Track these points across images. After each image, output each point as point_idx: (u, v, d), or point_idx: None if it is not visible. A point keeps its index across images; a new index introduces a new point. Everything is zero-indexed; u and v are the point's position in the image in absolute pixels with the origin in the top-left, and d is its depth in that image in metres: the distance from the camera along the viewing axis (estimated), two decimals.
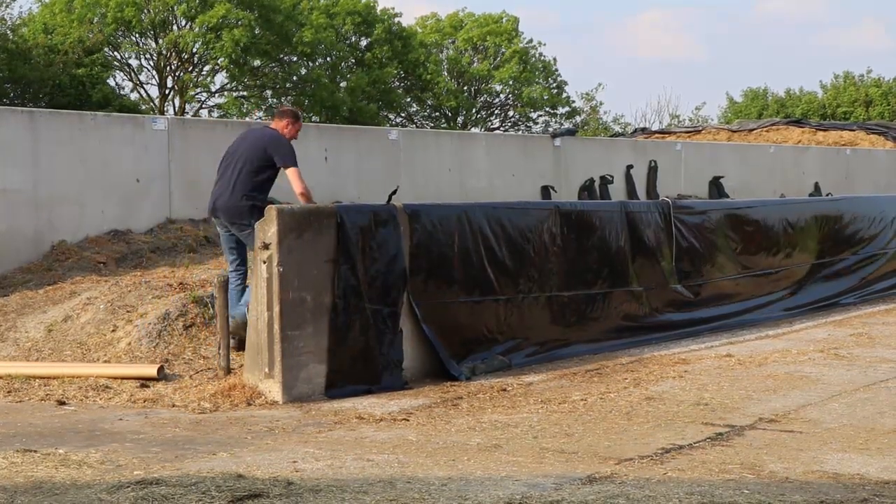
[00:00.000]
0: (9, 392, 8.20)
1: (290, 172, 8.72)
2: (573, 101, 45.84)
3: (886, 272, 14.58)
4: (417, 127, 41.63)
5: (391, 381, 8.45)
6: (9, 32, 29.42)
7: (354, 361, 8.34)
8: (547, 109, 45.04)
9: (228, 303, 8.78)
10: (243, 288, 8.96)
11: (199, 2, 32.48)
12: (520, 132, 42.87)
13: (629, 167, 20.37)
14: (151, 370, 8.40)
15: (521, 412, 7.62)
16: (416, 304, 8.87)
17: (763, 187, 22.18)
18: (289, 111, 9.20)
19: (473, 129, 41.97)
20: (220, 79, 36.42)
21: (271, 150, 8.79)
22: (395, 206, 8.85)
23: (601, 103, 59.13)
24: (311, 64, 37.31)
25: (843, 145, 28.46)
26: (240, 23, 32.76)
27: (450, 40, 43.43)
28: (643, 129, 36.31)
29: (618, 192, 19.74)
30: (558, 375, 9.10)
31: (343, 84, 37.68)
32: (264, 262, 8.02)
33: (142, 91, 35.62)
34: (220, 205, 8.92)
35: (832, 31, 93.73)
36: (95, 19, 32.05)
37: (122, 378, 8.37)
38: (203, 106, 36.95)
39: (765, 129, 30.81)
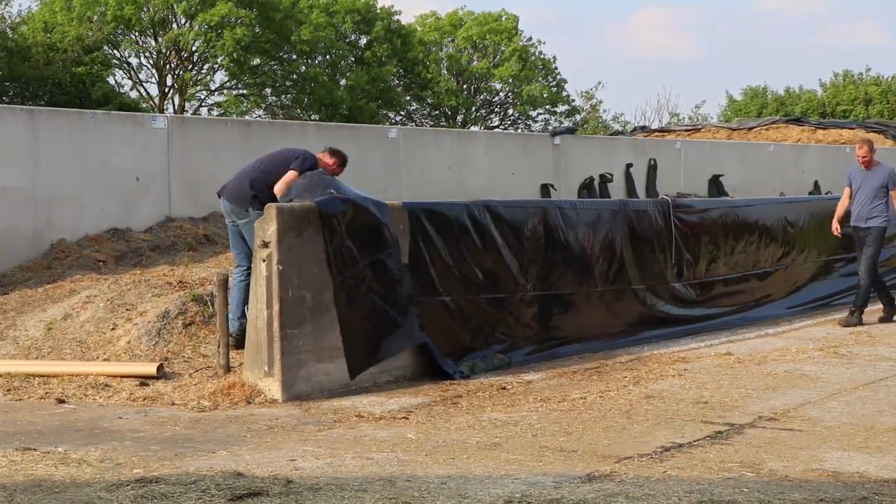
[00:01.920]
0: (8, 390, 8.20)
1: (290, 174, 8.91)
2: (573, 100, 45.87)
3: (885, 270, 14.56)
4: (417, 125, 41.62)
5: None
6: (8, 31, 29.43)
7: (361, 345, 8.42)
8: (547, 108, 45.05)
9: (234, 302, 8.79)
10: (247, 286, 8.98)
11: (200, 0, 32.45)
12: (519, 131, 42.87)
13: (629, 166, 20.37)
14: (151, 368, 8.39)
15: (521, 410, 7.63)
16: (415, 302, 8.87)
17: (763, 186, 22.18)
18: (341, 153, 9.46)
19: (473, 128, 41.95)
20: (220, 77, 36.44)
21: (294, 157, 9.08)
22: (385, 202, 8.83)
23: (601, 102, 59.13)
24: (310, 62, 37.31)
25: (843, 143, 28.47)
26: (240, 21, 32.74)
27: (449, 38, 43.42)
28: (643, 128, 36.25)
29: (617, 190, 19.73)
30: (558, 374, 9.11)
31: (342, 82, 37.67)
32: (264, 261, 8.02)
33: (141, 89, 35.62)
34: (228, 186, 9.21)
35: (831, 30, 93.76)
36: (95, 17, 32.02)
37: (122, 376, 8.37)
38: (203, 104, 36.97)
39: (764, 127, 30.81)
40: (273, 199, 8.71)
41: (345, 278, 8.30)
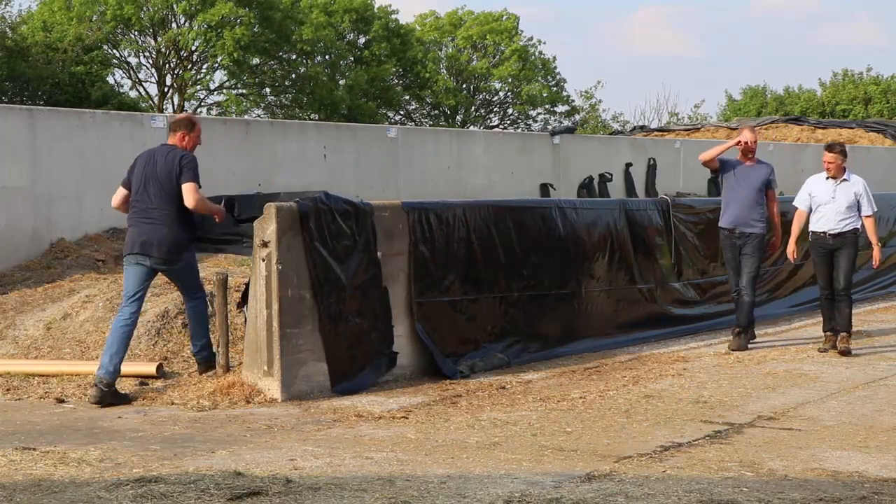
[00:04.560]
0: (8, 390, 8.20)
1: (186, 187, 7.95)
2: (572, 100, 45.87)
3: (884, 269, 14.57)
4: (416, 125, 41.63)
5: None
6: (8, 30, 29.39)
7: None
8: (546, 107, 45.05)
9: (111, 346, 7.85)
10: (131, 332, 7.99)
11: (199, 0, 32.43)
12: (519, 130, 42.87)
13: (628, 165, 20.39)
14: (150, 368, 8.39)
15: (520, 410, 7.62)
16: (416, 302, 8.87)
17: None
18: (182, 121, 8.35)
19: (472, 127, 41.94)
20: (219, 76, 36.43)
21: (178, 166, 8.05)
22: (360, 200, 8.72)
23: (600, 101, 59.06)
24: (309, 62, 37.30)
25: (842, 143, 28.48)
26: (240, 21, 32.73)
27: (449, 38, 43.42)
28: (642, 127, 36.27)
29: (617, 189, 19.76)
30: (557, 373, 9.11)
31: (342, 82, 37.65)
32: (263, 260, 8.01)
33: (141, 89, 35.60)
34: (151, 241, 7.95)
35: (831, 29, 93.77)
36: (94, 17, 32.00)
37: (121, 376, 8.34)
38: (202, 104, 36.95)
39: (764, 126, 30.84)
40: (189, 218, 8.02)
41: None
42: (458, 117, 43.16)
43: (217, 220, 8.33)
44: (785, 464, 6.09)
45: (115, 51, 34.34)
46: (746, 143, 10.20)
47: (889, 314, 12.88)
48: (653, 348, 10.36)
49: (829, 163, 10.03)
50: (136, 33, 34.13)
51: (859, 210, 10.02)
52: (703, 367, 9.31)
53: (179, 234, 8.03)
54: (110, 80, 33.51)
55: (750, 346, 10.25)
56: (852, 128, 31.03)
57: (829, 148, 10.15)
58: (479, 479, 5.71)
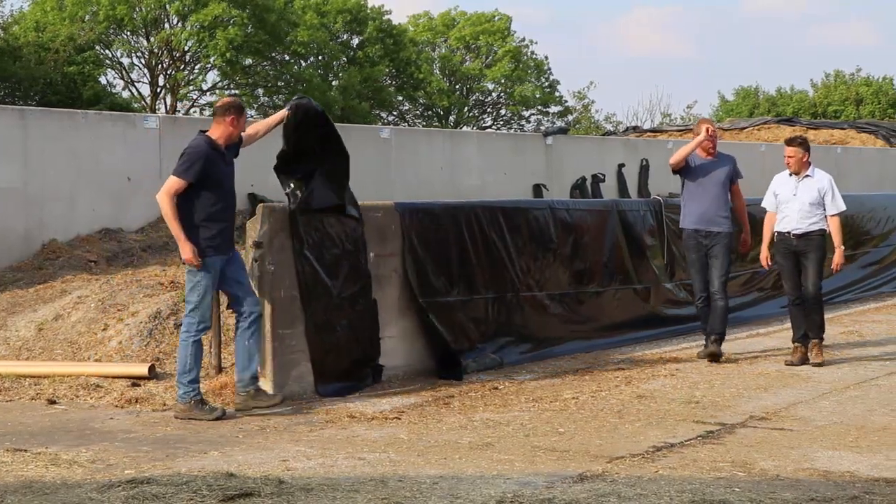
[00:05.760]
0: None
1: (168, 179, 7.38)
2: (565, 100, 45.95)
3: (881, 269, 14.63)
4: (409, 125, 41.63)
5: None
6: (0, 31, 29.35)
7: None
8: (539, 108, 45.11)
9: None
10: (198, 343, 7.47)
11: (193, 0, 32.40)
12: (512, 131, 42.89)
13: (621, 166, 20.39)
14: (142, 369, 8.37)
15: (513, 411, 7.63)
16: (422, 302, 8.88)
17: (754, 186, 22.15)
18: (229, 106, 7.52)
19: (465, 128, 41.96)
20: (212, 77, 36.40)
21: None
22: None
23: (593, 102, 59.16)
24: (303, 63, 37.30)
25: (834, 144, 28.54)
26: (233, 21, 32.71)
27: (442, 39, 43.48)
28: (635, 128, 36.29)
29: (609, 190, 19.76)
30: (550, 374, 9.11)
31: (335, 83, 37.65)
32: (256, 261, 8.00)
33: (133, 89, 35.56)
34: None
35: (823, 30, 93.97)
36: (87, 17, 31.95)
37: (113, 377, 8.34)
38: (195, 104, 36.91)
39: (756, 127, 30.88)
40: (190, 217, 7.32)
41: None
42: (451, 118, 43.19)
43: (183, 256, 7.33)
44: (776, 464, 6.10)
45: (107, 51, 34.30)
46: (713, 131, 9.65)
47: (880, 314, 12.91)
48: (645, 349, 10.37)
49: (789, 157, 9.50)
50: (129, 33, 34.09)
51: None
52: (695, 368, 9.32)
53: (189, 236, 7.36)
54: (102, 80, 33.48)
55: (741, 347, 10.25)
56: (844, 128, 31.08)
57: (789, 142, 9.60)
58: (471, 480, 5.71)
